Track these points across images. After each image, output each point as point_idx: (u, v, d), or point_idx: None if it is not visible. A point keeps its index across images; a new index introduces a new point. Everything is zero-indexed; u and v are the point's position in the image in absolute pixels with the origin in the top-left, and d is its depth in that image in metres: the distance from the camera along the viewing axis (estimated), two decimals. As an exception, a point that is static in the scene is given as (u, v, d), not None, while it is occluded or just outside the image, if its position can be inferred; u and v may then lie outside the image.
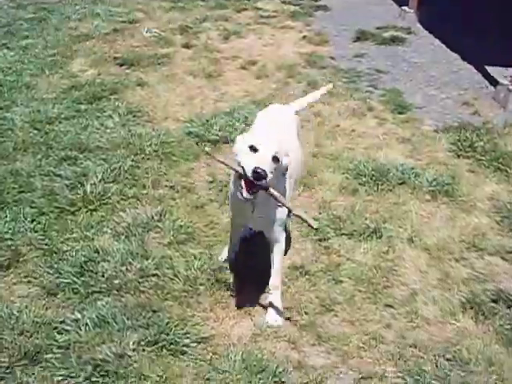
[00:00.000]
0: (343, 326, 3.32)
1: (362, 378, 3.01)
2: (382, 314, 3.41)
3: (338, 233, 4.03)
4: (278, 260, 3.36)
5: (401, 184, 4.64)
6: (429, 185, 4.64)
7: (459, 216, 4.34)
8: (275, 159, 2.92)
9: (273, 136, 3.06)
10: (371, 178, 4.66)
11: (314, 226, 3.00)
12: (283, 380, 2.98)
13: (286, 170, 3.11)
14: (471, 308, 3.48)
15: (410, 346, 3.20)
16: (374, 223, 4.12)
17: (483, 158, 5.14)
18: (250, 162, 2.87)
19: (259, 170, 2.80)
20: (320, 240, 3.95)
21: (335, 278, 3.65)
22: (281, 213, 3.23)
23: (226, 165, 3.20)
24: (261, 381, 2.94)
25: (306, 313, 3.38)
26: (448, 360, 3.12)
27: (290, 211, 3.14)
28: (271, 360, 3.07)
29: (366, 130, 5.56)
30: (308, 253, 3.86)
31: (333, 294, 3.52)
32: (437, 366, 3.07)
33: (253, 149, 2.92)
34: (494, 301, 3.55)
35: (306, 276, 3.63)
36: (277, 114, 3.80)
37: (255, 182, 2.83)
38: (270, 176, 2.85)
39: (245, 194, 2.88)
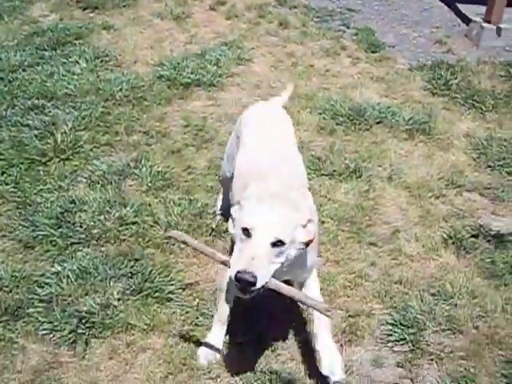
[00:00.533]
0: (328, 266, 3.29)
1: (349, 316, 3.01)
2: (366, 252, 3.40)
3: (318, 173, 3.97)
4: (318, 293, 2.73)
5: (378, 123, 4.58)
6: (406, 123, 4.59)
7: (437, 154, 4.32)
8: (278, 244, 2.19)
9: (278, 202, 2.27)
10: (348, 118, 4.58)
11: (328, 315, 2.35)
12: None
13: (307, 245, 2.34)
14: (453, 243, 3.50)
15: (395, 283, 3.21)
16: (353, 163, 4.06)
17: (458, 95, 5.11)
18: (238, 256, 2.21)
19: (244, 277, 2.10)
20: (301, 182, 3.88)
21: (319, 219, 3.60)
22: (314, 255, 2.61)
23: (205, 255, 2.53)
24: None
25: (290, 255, 3.34)
26: (432, 295, 3.14)
27: (301, 302, 2.49)
28: (259, 305, 3.04)
29: (340, 69, 5.44)
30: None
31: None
32: (422, 301, 3.08)
33: (246, 233, 2.22)
34: (474, 236, 3.57)
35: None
36: (268, 115, 3.16)
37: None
38: (263, 276, 2.14)
39: (238, 294, 2.23)
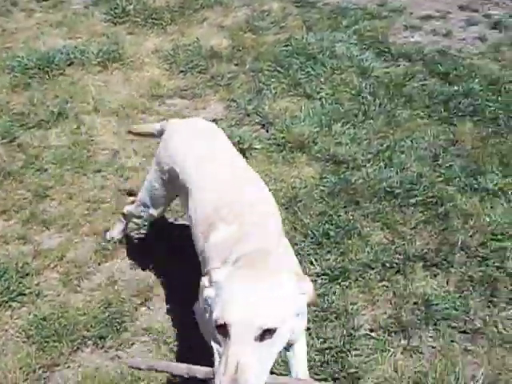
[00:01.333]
0: (63, 205, 3.56)
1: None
2: (94, 179, 3.72)
3: (25, 127, 4.12)
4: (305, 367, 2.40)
5: (70, 65, 4.80)
6: (96, 57, 4.88)
7: (133, 75, 4.73)
8: (267, 334, 1.73)
9: (255, 271, 1.90)
10: (39, 69, 4.71)
11: None
12: (27, 272, 3.16)
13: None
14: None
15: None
16: (56, 107, 4.27)
17: (138, 18, 5.52)
18: (219, 364, 1.72)
19: None
20: (9, 142, 4.00)
21: (40, 168, 3.80)
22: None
23: (180, 374, 1.93)
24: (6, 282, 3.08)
25: (20, 210, 3.53)
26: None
27: None
28: (7, 263, 3.19)
29: (17, 25, 5.46)
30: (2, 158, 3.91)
31: (44, 182, 3.69)
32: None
33: (222, 331, 1.75)
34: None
35: (11, 177, 3.72)
36: (203, 136, 2.79)
37: None
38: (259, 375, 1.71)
39: None
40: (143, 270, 3.19)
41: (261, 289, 1.79)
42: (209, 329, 1.90)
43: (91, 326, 2.90)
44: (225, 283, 1.83)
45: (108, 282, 3.13)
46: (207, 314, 1.90)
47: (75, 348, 2.84)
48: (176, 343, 2.82)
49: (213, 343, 1.80)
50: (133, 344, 2.85)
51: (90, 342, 2.86)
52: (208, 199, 2.41)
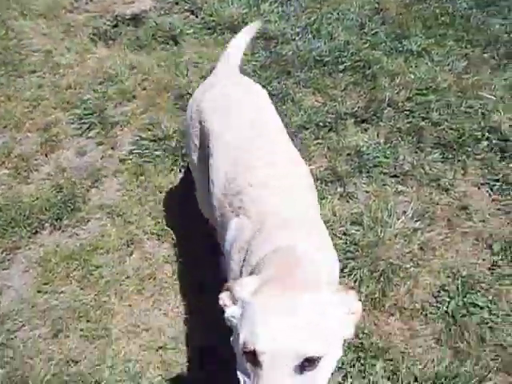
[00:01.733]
0: (2, 107, 3.67)
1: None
2: (31, 79, 3.84)
3: None
4: None
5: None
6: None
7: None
8: (309, 364, 1.43)
9: (292, 282, 1.53)
10: None
11: None
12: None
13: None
14: (99, 39, 4.10)
15: (67, 88, 3.72)
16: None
17: None
18: None
19: None
20: None
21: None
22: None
23: None
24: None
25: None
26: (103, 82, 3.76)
27: None
28: None
29: None
30: None
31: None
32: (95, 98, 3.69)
33: (251, 359, 1.44)
34: (115, 26, 4.21)
35: None
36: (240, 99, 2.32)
37: None
38: None
39: None
40: (89, 156, 3.36)
41: (298, 307, 1.46)
42: (235, 348, 1.54)
43: (46, 209, 3.09)
44: (252, 300, 1.50)
45: (57, 171, 3.31)
46: (231, 338, 1.57)
47: (34, 231, 3.04)
48: (129, 214, 3.05)
49: (239, 373, 1.50)
50: (88, 221, 3.07)
51: (47, 225, 3.06)
52: (222, 177, 2.00)
